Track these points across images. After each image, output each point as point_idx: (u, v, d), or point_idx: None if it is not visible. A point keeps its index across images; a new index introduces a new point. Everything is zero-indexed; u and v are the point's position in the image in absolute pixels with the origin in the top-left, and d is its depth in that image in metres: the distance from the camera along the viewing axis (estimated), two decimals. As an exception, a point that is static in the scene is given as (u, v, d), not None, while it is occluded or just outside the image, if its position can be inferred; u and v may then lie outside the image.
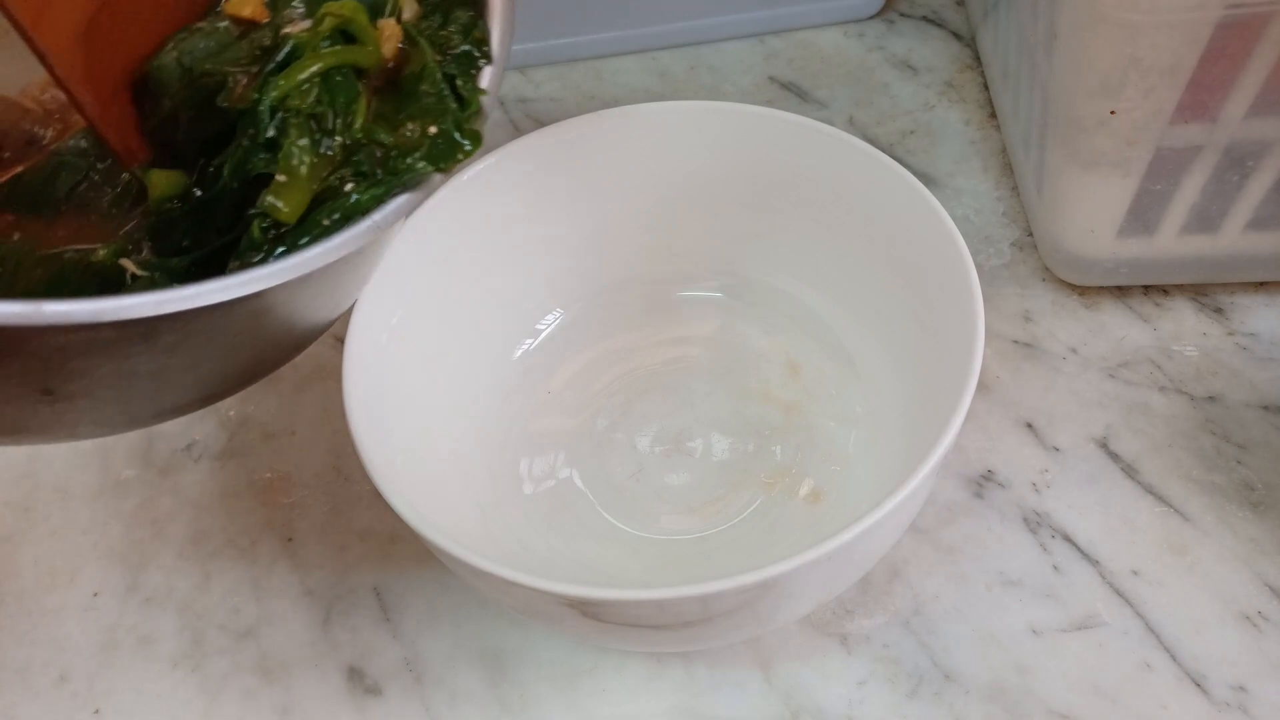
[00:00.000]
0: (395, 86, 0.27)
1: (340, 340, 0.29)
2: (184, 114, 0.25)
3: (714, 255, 0.36)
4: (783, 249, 0.35)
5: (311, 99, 0.25)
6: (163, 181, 0.25)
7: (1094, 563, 0.32)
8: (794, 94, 0.46)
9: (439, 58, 0.27)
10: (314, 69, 0.25)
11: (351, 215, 0.25)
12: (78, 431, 0.25)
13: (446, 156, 0.26)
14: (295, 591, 0.34)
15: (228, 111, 0.25)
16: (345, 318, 0.29)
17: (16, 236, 0.26)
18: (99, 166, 0.27)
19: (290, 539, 0.35)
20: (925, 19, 0.48)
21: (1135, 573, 0.32)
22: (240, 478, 0.37)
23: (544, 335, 0.37)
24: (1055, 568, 0.32)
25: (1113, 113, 0.31)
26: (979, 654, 0.31)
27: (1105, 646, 0.30)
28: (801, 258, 0.35)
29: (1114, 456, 0.34)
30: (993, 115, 0.43)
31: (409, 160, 0.26)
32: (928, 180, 0.41)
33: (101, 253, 0.25)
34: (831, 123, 0.33)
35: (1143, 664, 0.30)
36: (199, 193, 0.25)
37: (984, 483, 0.34)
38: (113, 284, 0.24)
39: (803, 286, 0.36)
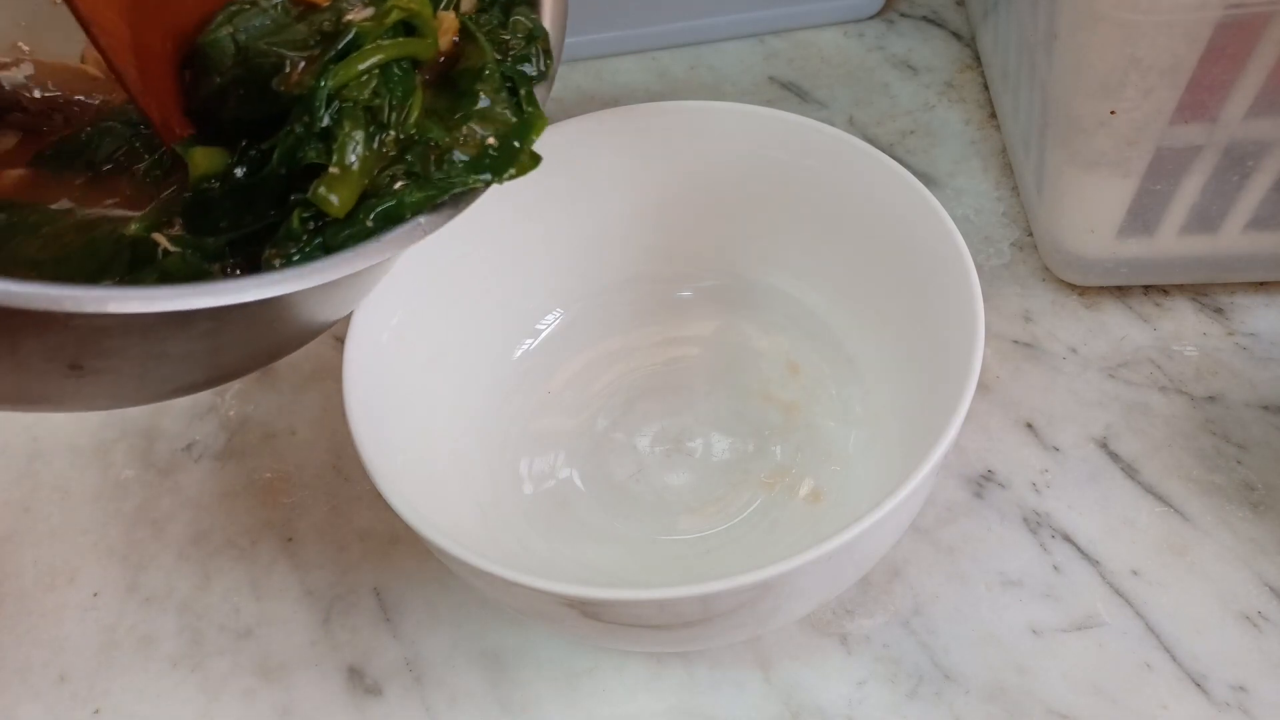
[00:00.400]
0: (448, 82, 0.26)
1: (340, 340, 0.29)
2: (234, 92, 0.25)
3: (714, 255, 0.36)
4: (783, 249, 0.35)
5: (369, 90, 0.24)
6: (204, 160, 0.24)
7: (1094, 563, 0.32)
8: (794, 94, 0.46)
9: (498, 57, 0.26)
10: (375, 60, 0.24)
11: (396, 216, 0.24)
12: (93, 404, 0.24)
13: (501, 170, 0.25)
14: (295, 591, 0.34)
15: (281, 95, 0.24)
16: (345, 317, 0.29)
17: (64, 202, 0.26)
18: (143, 131, 0.27)
19: (290, 539, 0.35)
20: (925, 19, 0.48)
21: (1135, 573, 0.32)
22: (240, 478, 0.37)
23: (544, 335, 0.37)
24: (1055, 568, 0.32)
25: (1113, 113, 0.31)
26: (979, 654, 0.31)
27: (1105, 646, 0.30)
28: (801, 258, 0.35)
29: (1114, 456, 0.34)
30: (993, 115, 0.43)
31: (461, 166, 0.25)
32: (928, 180, 0.41)
33: (134, 226, 0.24)
34: (831, 123, 0.33)
35: (1143, 664, 0.30)
36: (239, 174, 0.24)
37: (984, 483, 0.34)
38: (143, 258, 0.24)
39: (803, 286, 0.36)
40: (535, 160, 0.26)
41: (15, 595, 0.35)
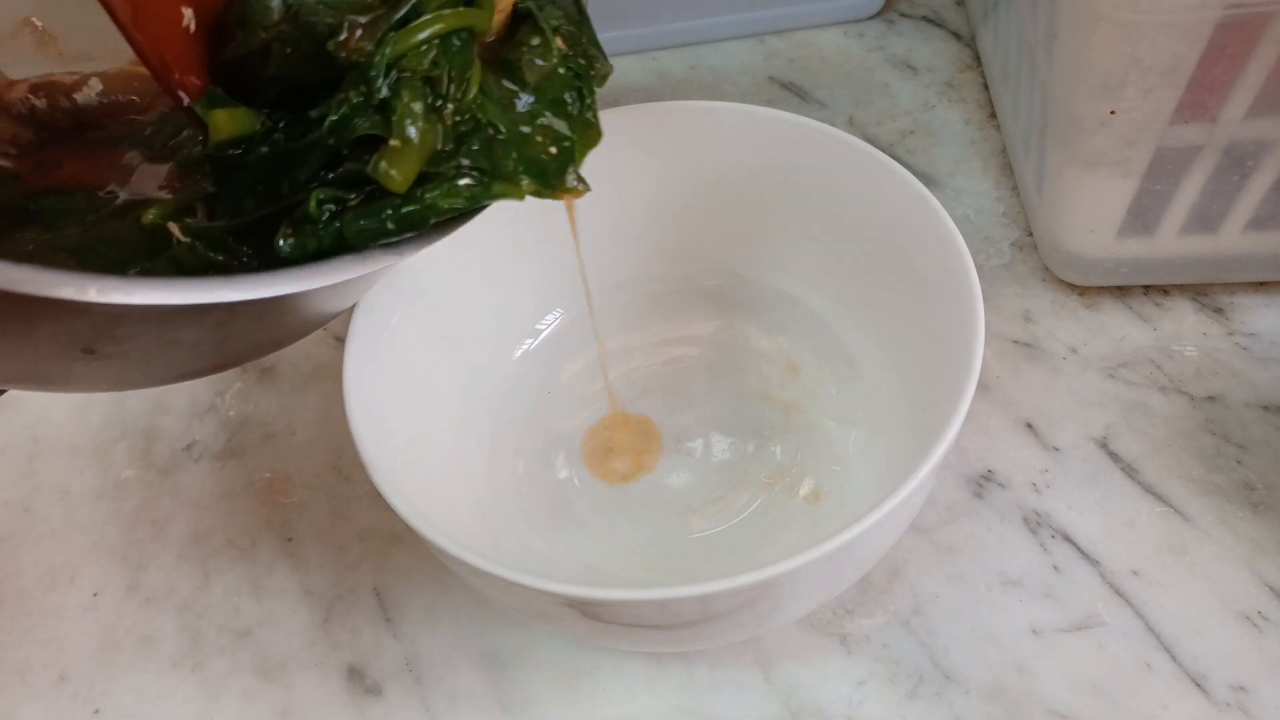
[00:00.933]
0: (502, 66, 0.25)
1: (340, 340, 0.29)
2: (279, 51, 0.23)
3: (714, 255, 0.36)
4: (783, 249, 0.35)
5: (429, 61, 0.23)
6: (227, 122, 0.23)
7: (1094, 563, 0.32)
8: (794, 94, 0.46)
9: (564, 49, 0.25)
10: (435, 29, 0.23)
11: (420, 221, 0.23)
12: (98, 386, 0.24)
13: (552, 185, 0.24)
14: (295, 591, 0.34)
15: (335, 60, 0.23)
16: (345, 317, 0.29)
17: (113, 187, 0.25)
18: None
19: (290, 539, 0.35)
20: (925, 19, 0.48)
21: (1135, 573, 0.32)
22: (240, 478, 0.37)
23: (544, 335, 0.37)
24: (1055, 568, 0.32)
25: (1113, 113, 0.31)
26: (979, 654, 0.31)
27: (1105, 646, 0.30)
28: (801, 258, 0.35)
29: (1114, 456, 0.34)
30: (993, 115, 0.43)
31: (515, 166, 0.24)
32: (928, 180, 0.41)
33: (151, 214, 0.24)
34: (831, 123, 0.33)
35: (1143, 664, 0.30)
36: (268, 146, 0.23)
37: (984, 483, 0.34)
38: (160, 246, 0.23)
39: (803, 286, 0.36)
40: (585, 185, 0.25)
41: (15, 595, 0.35)
